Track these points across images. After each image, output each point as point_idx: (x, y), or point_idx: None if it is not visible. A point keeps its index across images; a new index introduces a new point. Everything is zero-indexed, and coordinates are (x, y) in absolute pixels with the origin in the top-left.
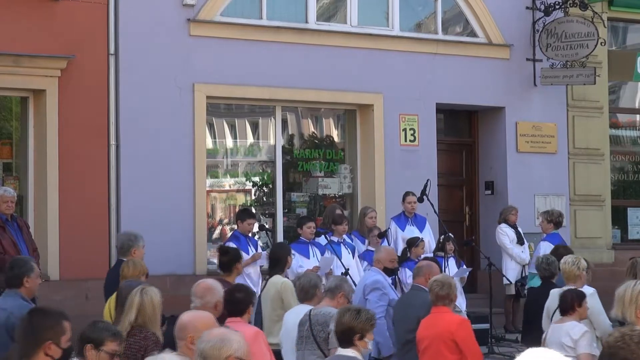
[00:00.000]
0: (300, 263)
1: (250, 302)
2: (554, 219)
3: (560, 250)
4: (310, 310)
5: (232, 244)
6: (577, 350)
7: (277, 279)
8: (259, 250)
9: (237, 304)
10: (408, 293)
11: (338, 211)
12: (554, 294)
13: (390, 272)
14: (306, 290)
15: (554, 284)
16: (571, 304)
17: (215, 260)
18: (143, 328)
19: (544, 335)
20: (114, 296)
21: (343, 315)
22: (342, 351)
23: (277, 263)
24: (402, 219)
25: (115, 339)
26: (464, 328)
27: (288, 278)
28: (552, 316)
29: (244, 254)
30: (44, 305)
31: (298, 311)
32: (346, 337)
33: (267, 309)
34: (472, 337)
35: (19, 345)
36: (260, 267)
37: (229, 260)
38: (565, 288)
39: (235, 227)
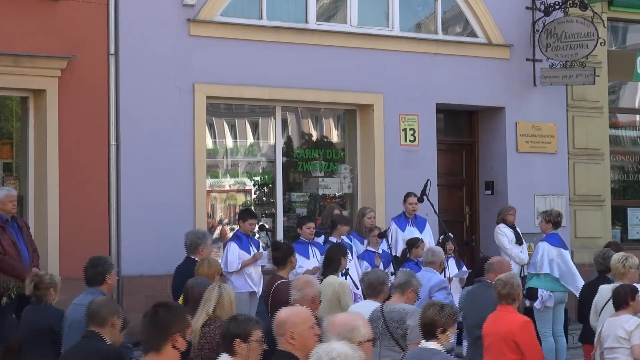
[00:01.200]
0: (300, 263)
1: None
2: (552, 219)
3: (612, 247)
4: (382, 306)
5: (233, 244)
6: (631, 342)
7: (333, 279)
8: (260, 250)
9: None
10: (477, 289)
11: (337, 211)
12: (602, 290)
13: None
14: (374, 287)
15: (609, 279)
16: (624, 299)
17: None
18: (217, 319)
19: (598, 330)
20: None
21: (427, 309)
22: (425, 344)
23: (331, 263)
24: (403, 219)
25: (259, 327)
26: (526, 330)
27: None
28: (601, 312)
29: (245, 254)
30: (166, 300)
31: (364, 307)
32: (429, 330)
33: (324, 308)
34: (534, 339)
35: (145, 338)
36: (262, 267)
37: (282, 254)
38: (616, 284)
39: (236, 227)
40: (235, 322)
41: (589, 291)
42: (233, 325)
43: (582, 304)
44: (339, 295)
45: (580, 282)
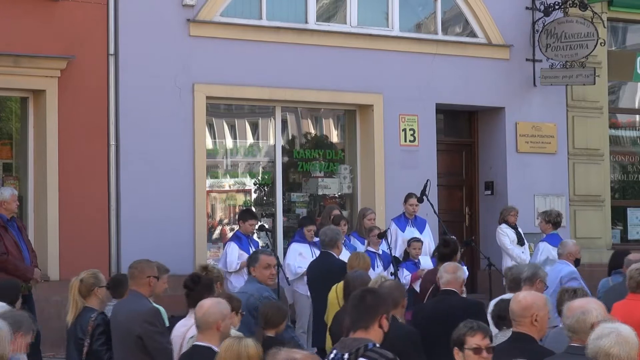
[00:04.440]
0: (299, 264)
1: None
2: (552, 219)
3: None
4: None
5: (233, 244)
6: None
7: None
8: None
9: None
10: (617, 279)
11: (336, 212)
12: None
13: (577, 262)
14: (517, 282)
15: None
16: None
17: (213, 261)
18: None
19: None
20: (341, 284)
21: (563, 294)
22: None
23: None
24: (403, 220)
25: (475, 332)
26: None
27: (287, 279)
28: None
29: (244, 254)
30: (370, 287)
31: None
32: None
33: None
34: None
35: (354, 318)
36: None
37: (450, 251)
38: None
39: (236, 227)
40: (457, 327)
41: None
42: (455, 331)
43: None
44: None
45: None
